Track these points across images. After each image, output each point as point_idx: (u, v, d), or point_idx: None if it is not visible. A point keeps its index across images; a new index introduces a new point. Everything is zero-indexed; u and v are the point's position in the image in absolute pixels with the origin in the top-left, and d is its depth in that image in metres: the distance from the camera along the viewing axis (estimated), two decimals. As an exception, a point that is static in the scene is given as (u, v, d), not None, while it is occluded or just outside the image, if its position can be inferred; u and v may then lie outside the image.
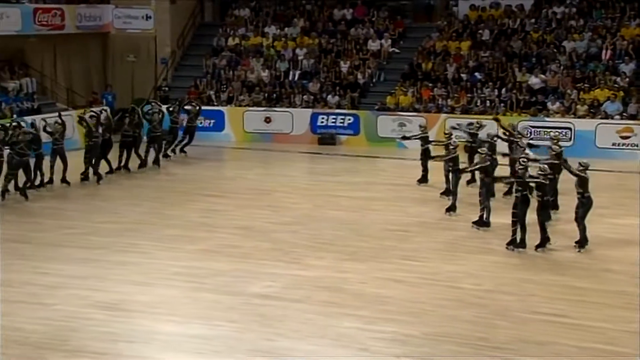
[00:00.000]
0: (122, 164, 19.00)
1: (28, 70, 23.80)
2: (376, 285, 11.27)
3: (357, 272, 11.84)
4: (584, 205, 12.79)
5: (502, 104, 22.63)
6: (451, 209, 15.07)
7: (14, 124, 16.95)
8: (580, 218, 12.84)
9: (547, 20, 24.65)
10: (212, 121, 24.07)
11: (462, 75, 23.67)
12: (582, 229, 12.84)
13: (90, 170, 17.81)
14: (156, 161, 19.67)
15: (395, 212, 15.46)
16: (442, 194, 16.01)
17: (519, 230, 12.79)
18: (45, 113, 21.47)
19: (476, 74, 23.57)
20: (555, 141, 15.28)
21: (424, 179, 17.61)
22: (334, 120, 23.38)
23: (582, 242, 12.84)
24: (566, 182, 14.12)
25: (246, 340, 9.39)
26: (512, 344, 9.34)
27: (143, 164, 19.38)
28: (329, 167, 20.56)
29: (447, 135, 16.74)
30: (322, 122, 23.47)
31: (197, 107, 21.64)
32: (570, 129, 21.50)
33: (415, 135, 18.22)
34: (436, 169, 16.90)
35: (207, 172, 19.76)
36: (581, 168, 12.83)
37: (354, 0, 26.88)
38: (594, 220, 13.48)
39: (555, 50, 23.59)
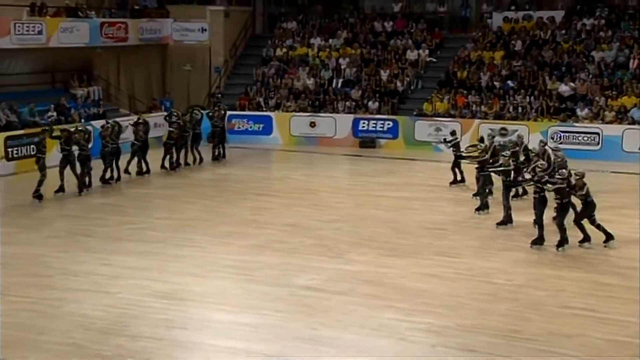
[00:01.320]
0: (172, 162, 19.30)
1: (95, 79, 24.12)
2: (414, 279, 11.18)
3: (397, 267, 11.76)
4: (576, 208, 12.59)
5: (533, 110, 22.30)
6: (480, 208, 14.88)
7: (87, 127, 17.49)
8: (575, 220, 12.59)
9: (577, 31, 24.21)
10: (261, 125, 24.19)
11: (495, 83, 23.38)
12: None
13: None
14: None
15: (431, 211, 15.33)
16: (474, 195, 15.80)
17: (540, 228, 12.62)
18: (109, 118, 21.74)
19: (509, 82, 23.26)
20: (557, 150, 15.05)
21: (458, 181, 17.42)
22: (374, 125, 23.29)
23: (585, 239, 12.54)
24: (594, 184, 13.80)
25: (292, 329, 9.37)
26: (542, 336, 9.17)
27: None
28: (369, 168, 20.46)
29: (478, 141, 16.53)
30: (363, 126, 23.39)
31: (223, 111, 21.55)
32: (598, 134, 21.12)
33: (449, 142, 17.76)
34: (467, 172, 16.71)
35: (256, 173, 19.83)
36: (577, 177, 12.56)
37: (394, 14, 26.75)
38: (619, 221, 13.22)
39: (584, 59, 23.16)
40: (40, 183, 15.90)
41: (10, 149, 19.19)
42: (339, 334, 9.24)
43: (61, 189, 16.32)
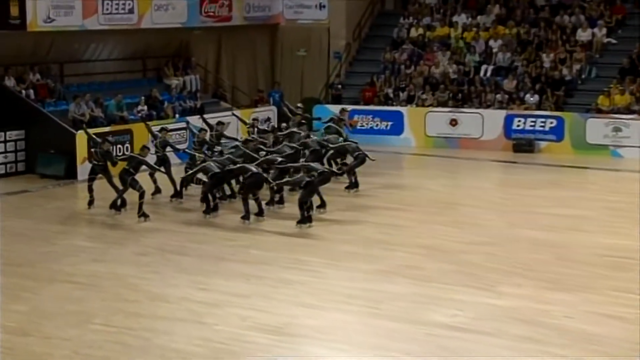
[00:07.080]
0: None
1: (192, 67, 24.71)
2: (584, 320, 10.87)
3: (562, 303, 11.47)
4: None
5: None
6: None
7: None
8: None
9: None
10: (390, 123, 24.29)
11: (698, 70, 22.48)
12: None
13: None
14: None
15: (609, 235, 14.93)
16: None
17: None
18: (208, 113, 22.34)
19: None
20: None
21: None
22: (532, 124, 22.98)
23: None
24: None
25: (427, 377, 9.32)
26: None
27: None
28: (526, 178, 20.17)
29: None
30: (518, 125, 23.13)
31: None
32: None
33: None
34: None
35: (383, 181, 19.84)
36: None
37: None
38: None
39: None
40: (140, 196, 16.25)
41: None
42: (486, 385, 9.10)
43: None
